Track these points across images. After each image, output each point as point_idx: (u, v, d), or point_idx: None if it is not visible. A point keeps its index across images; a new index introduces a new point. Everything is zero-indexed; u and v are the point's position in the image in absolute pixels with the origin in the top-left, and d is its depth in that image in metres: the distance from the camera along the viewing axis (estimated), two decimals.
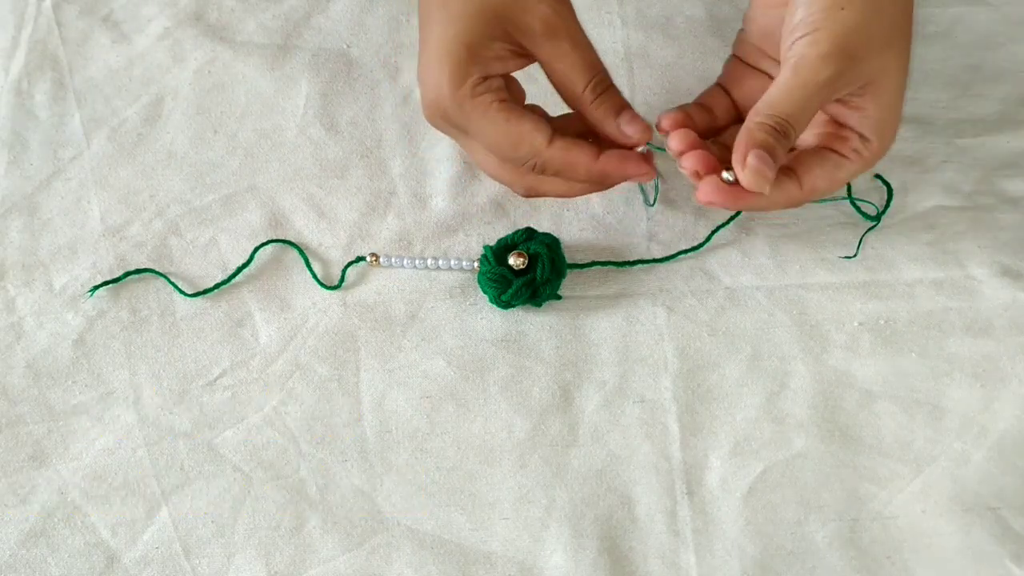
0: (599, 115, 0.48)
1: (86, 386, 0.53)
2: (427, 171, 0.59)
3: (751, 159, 0.44)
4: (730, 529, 0.49)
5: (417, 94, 0.60)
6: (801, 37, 0.45)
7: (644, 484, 0.50)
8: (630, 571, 0.49)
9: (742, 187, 0.45)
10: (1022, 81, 0.61)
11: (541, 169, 0.48)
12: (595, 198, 0.57)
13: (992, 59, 0.61)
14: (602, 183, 0.50)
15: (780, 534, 0.49)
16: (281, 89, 0.62)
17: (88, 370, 0.54)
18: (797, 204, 0.48)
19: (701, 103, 0.52)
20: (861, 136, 0.48)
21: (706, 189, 0.46)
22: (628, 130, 0.49)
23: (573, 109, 0.49)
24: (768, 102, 0.45)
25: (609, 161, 0.48)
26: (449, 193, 0.58)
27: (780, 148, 0.45)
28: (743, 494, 0.50)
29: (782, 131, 0.45)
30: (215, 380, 0.53)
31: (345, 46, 0.63)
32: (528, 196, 0.51)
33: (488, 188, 0.58)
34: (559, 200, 0.57)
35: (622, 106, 0.49)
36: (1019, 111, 0.59)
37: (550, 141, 0.47)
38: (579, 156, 0.48)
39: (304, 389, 0.53)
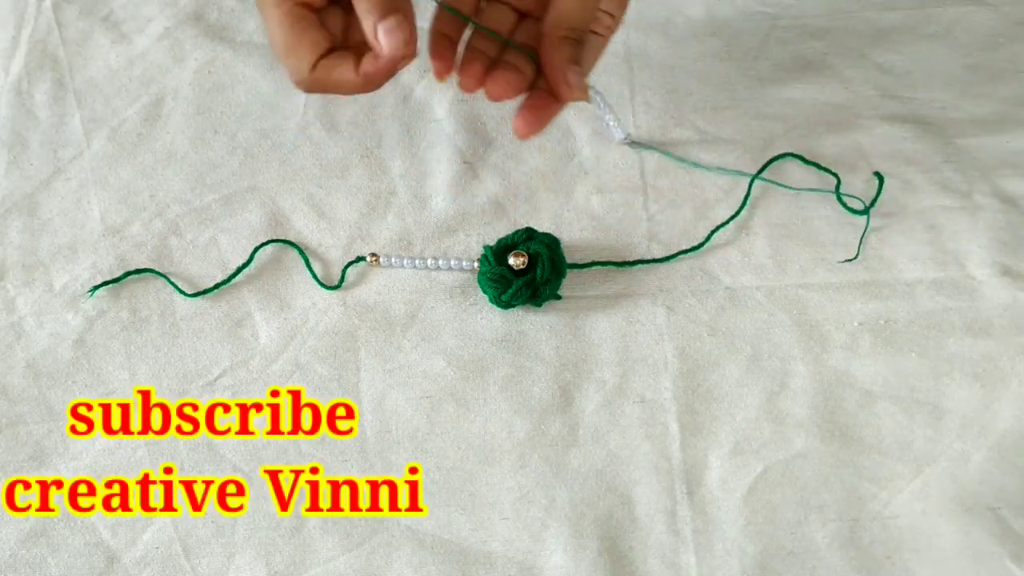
0: (361, 9, 0.43)
1: (86, 386, 0.53)
2: (427, 171, 0.59)
3: (572, 78, 0.47)
4: (730, 529, 0.49)
5: (417, 93, 0.61)
6: None
7: (644, 484, 0.50)
8: (630, 571, 0.49)
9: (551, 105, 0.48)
10: (1022, 81, 0.61)
11: (308, 88, 0.46)
12: (595, 198, 0.57)
13: (992, 59, 0.61)
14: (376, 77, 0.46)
15: (780, 534, 0.49)
16: (281, 89, 0.62)
17: (88, 370, 0.54)
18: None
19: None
20: (610, 14, 0.50)
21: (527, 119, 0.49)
22: (384, 40, 0.43)
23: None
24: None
25: (368, 61, 0.44)
26: (449, 193, 0.58)
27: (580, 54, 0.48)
28: (743, 494, 0.50)
29: (578, 40, 0.48)
30: (215, 380, 0.53)
31: None
32: (310, 91, 0.48)
33: (488, 188, 0.58)
34: (559, 200, 0.57)
35: (394, 10, 0.43)
36: (1019, 111, 0.59)
37: (313, 66, 0.45)
38: (344, 72, 0.45)
39: (304, 389, 0.53)
